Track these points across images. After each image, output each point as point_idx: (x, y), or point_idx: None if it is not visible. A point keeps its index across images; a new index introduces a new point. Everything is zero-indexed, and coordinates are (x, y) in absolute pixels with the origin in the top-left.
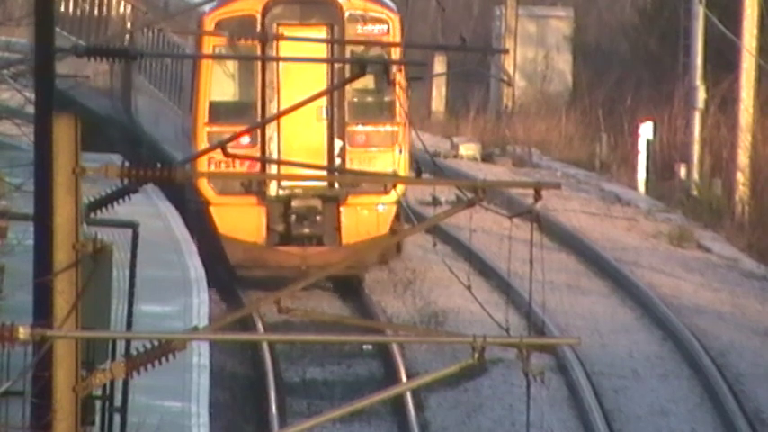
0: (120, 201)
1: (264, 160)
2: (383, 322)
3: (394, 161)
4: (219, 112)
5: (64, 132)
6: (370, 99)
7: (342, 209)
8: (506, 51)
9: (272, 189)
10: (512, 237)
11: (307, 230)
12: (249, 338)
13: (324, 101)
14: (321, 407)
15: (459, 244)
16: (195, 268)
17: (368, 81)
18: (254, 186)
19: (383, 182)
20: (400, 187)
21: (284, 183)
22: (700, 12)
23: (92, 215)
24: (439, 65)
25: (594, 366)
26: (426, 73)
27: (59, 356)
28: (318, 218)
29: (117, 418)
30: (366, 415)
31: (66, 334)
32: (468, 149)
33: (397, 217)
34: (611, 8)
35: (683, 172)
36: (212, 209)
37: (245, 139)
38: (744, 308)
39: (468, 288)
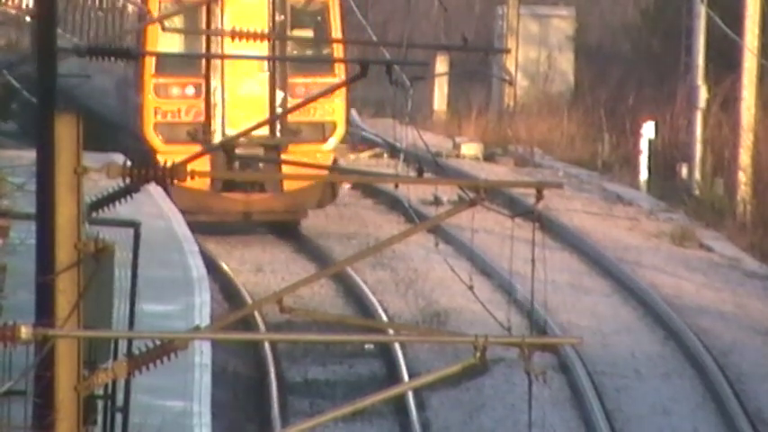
0: (122, 200)
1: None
2: (385, 322)
3: (333, 110)
4: (166, 63)
5: (65, 132)
6: (309, 52)
7: (283, 157)
8: (508, 51)
9: (217, 137)
10: (513, 236)
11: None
12: (251, 338)
13: (265, 54)
14: (323, 406)
15: (461, 244)
16: (197, 268)
17: (308, 34)
18: (199, 135)
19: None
20: (337, 136)
21: (228, 131)
22: (701, 11)
23: (93, 214)
24: (441, 64)
25: (596, 366)
26: (428, 72)
27: (61, 356)
28: (261, 165)
29: (119, 417)
30: (368, 414)
31: (67, 333)
32: (470, 149)
33: (333, 165)
34: (613, 8)
35: (684, 171)
36: (159, 157)
37: (191, 90)
38: (746, 307)
39: (470, 288)
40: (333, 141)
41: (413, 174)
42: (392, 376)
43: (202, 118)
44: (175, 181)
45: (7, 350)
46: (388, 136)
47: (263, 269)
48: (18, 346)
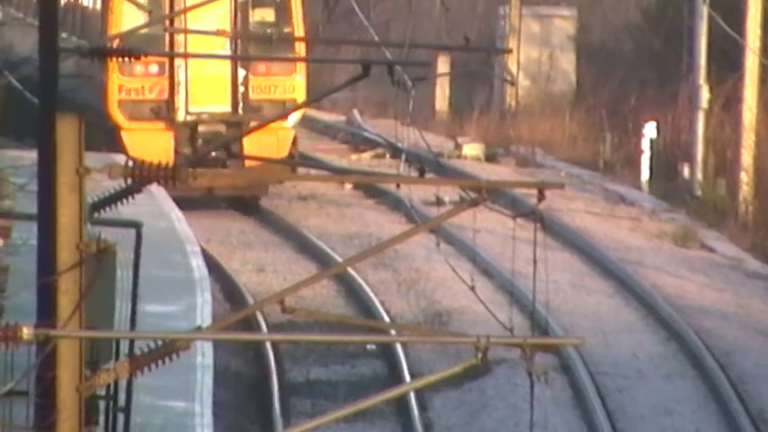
0: (124, 200)
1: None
2: (387, 322)
3: (294, 87)
4: (129, 42)
5: (67, 132)
6: (270, 31)
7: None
8: (510, 51)
9: (180, 115)
10: (515, 237)
11: (212, 153)
12: (253, 338)
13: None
14: (325, 407)
15: (463, 244)
16: (199, 268)
17: (268, 14)
18: (162, 112)
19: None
20: (298, 114)
21: (191, 109)
22: (704, 11)
23: (95, 215)
24: (443, 65)
25: (598, 366)
26: (430, 73)
27: (63, 356)
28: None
29: (121, 418)
30: (370, 415)
31: (69, 334)
32: (471, 149)
33: (294, 142)
34: (615, 8)
35: (686, 172)
36: (123, 133)
37: (154, 68)
38: (748, 308)
39: (472, 288)
40: (294, 118)
41: (414, 174)
42: (394, 377)
43: (166, 95)
44: (136, 156)
45: (9, 351)
46: (390, 136)
47: (264, 269)
48: (20, 347)
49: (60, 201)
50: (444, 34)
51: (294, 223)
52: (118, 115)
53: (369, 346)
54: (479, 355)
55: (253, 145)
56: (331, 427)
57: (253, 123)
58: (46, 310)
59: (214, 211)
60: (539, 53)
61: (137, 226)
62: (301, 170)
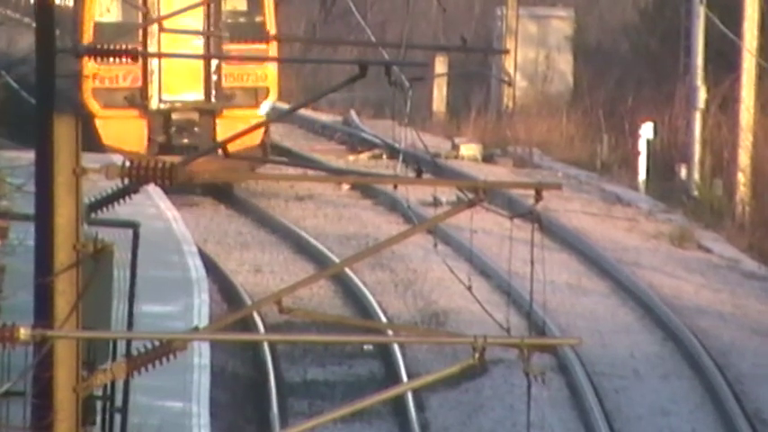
0: (121, 201)
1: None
2: (384, 322)
3: (266, 76)
4: (104, 32)
5: (64, 132)
6: (242, 20)
7: (217, 121)
8: (507, 52)
9: (154, 102)
10: (512, 237)
11: (185, 141)
12: (250, 339)
13: (201, 23)
14: (322, 407)
15: (460, 244)
16: (196, 268)
17: (240, 3)
18: (136, 100)
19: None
20: (270, 101)
21: (165, 97)
22: (700, 12)
23: (92, 215)
24: (440, 65)
25: (595, 367)
26: (427, 73)
27: (60, 357)
28: (196, 129)
29: (118, 418)
30: (367, 415)
31: (66, 334)
32: (468, 150)
33: (266, 130)
34: (611, 8)
35: (683, 172)
36: (97, 121)
37: None
38: (745, 308)
39: (469, 288)
40: (266, 106)
41: (412, 175)
42: (391, 377)
43: (140, 83)
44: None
45: (6, 351)
46: (387, 137)
47: (261, 270)
48: (17, 347)
49: (57, 201)
50: (441, 35)
51: (291, 224)
52: (92, 103)
53: (366, 347)
54: (476, 356)
55: (226, 132)
56: (328, 427)
57: (225, 111)
58: (43, 310)
59: (211, 212)
60: (536, 54)
61: (134, 226)
62: (299, 171)
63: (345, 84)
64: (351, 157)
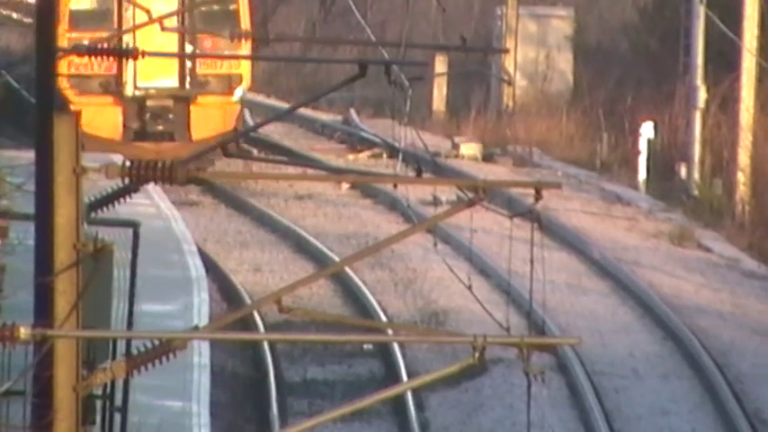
0: (121, 200)
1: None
2: (384, 322)
3: (239, 63)
4: (79, 19)
5: (64, 132)
6: (216, 8)
7: (192, 108)
8: (507, 51)
9: (129, 89)
10: (512, 236)
11: (160, 127)
12: (250, 338)
13: (175, 7)
14: (322, 406)
15: (460, 244)
16: (196, 267)
17: None
18: (111, 87)
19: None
20: (243, 87)
21: (139, 83)
22: (700, 11)
23: (92, 214)
24: (440, 64)
25: (595, 366)
26: (427, 73)
27: (60, 356)
28: (171, 116)
29: (118, 417)
30: (367, 414)
31: (66, 333)
32: (468, 149)
33: (239, 116)
34: (611, 8)
35: (683, 171)
36: (72, 108)
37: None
38: (745, 308)
39: (469, 288)
40: (239, 92)
41: (411, 174)
42: (391, 376)
43: (114, 71)
44: (85, 130)
45: (6, 350)
46: (387, 136)
47: (261, 269)
48: (17, 347)
49: (57, 200)
50: (441, 34)
51: (291, 223)
52: (67, 90)
53: (366, 346)
54: (476, 355)
55: (200, 119)
56: (328, 426)
57: (199, 97)
58: (43, 309)
59: (211, 211)
60: (536, 53)
61: (134, 225)
62: (299, 170)
63: (345, 83)
64: (350, 157)
